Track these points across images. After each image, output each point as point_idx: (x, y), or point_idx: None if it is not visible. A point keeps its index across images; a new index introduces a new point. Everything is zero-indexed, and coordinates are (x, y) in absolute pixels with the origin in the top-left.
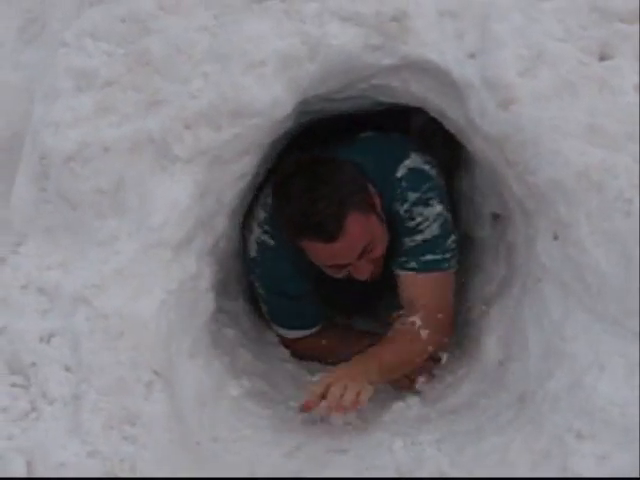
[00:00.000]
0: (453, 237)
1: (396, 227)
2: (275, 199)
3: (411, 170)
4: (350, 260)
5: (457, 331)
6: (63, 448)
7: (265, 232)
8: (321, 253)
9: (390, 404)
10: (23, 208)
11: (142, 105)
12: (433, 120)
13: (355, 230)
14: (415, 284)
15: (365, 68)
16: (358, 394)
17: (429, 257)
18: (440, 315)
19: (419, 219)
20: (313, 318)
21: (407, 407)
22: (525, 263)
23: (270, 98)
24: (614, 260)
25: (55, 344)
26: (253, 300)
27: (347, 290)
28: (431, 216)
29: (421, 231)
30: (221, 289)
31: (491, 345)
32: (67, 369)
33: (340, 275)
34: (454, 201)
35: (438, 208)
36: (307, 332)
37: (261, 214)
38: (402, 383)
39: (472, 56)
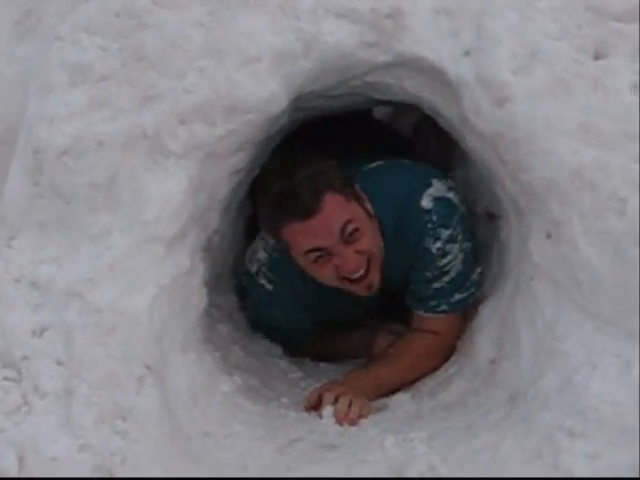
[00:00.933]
0: (478, 269)
1: (424, 262)
2: (256, 199)
3: (438, 200)
4: (330, 242)
5: None
6: (54, 442)
7: (264, 276)
8: (300, 236)
9: (382, 401)
10: (16, 202)
11: (136, 100)
12: (427, 118)
13: (332, 207)
14: (438, 322)
15: (360, 65)
16: (361, 409)
17: (457, 297)
18: (448, 341)
19: (450, 257)
20: (303, 338)
21: (399, 404)
22: (518, 261)
23: (265, 94)
24: (607, 259)
25: (47, 338)
26: None
27: (351, 317)
28: (458, 253)
29: (448, 272)
30: (214, 284)
31: (483, 343)
32: (59, 363)
33: (329, 274)
34: None
35: (464, 244)
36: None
37: (261, 254)
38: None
39: (467, 54)
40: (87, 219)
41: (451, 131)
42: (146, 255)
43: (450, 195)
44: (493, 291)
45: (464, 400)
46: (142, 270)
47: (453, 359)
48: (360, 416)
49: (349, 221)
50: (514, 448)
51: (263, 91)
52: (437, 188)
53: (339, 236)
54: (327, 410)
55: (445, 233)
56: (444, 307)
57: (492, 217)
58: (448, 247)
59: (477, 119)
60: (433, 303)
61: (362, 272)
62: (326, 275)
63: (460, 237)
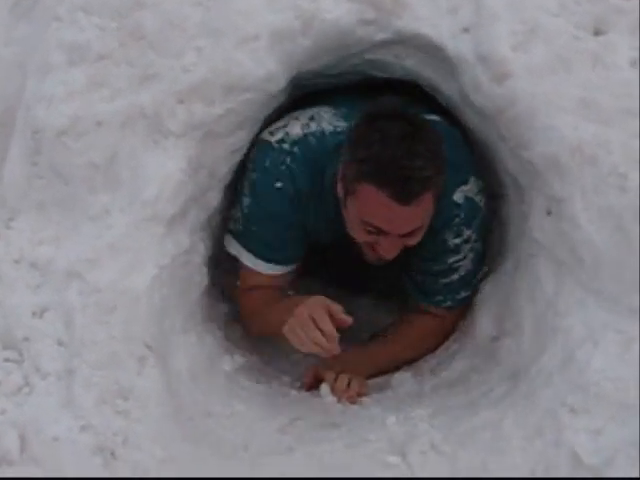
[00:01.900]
0: (485, 268)
1: (435, 254)
2: (362, 132)
3: (468, 200)
4: (395, 232)
5: None
6: (56, 422)
7: (285, 151)
8: (374, 207)
9: (383, 379)
10: (15, 183)
11: (135, 79)
12: (427, 95)
13: (422, 208)
14: (441, 311)
15: (359, 43)
16: (360, 387)
17: (463, 294)
18: (448, 327)
19: (461, 255)
20: (294, 254)
21: (400, 382)
22: (518, 239)
23: (263, 72)
24: (608, 235)
25: (48, 319)
26: None
27: (344, 263)
28: (469, 252)
29: (457, 269)
30: (214, 263)
31: (484, 321)
32: (60, 344)
33: (364, 239)
34: None
35: (476, 244)
36: (284, 269)
37: (294, 128)
38: None
39: (466, 30)
40: (86, 199)
41: (450, 108)
42: (146, 235)
43: (478, 198)
44: (494, 269)
45: (465, 378)
46: (142, 250)
47: (454, 337)
48: (359, 394)
49: (422, 226)
50: (516, 425)
51: (261, 70)
52: (471, 187)
53: (405, 233)
54: (324, 388)
55: (466, 233)
56: (449, 303)
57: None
58: (463, 246)
59: (476, 96)
60: (438, 298)
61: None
62: (363, 239)
63: (474, 237)
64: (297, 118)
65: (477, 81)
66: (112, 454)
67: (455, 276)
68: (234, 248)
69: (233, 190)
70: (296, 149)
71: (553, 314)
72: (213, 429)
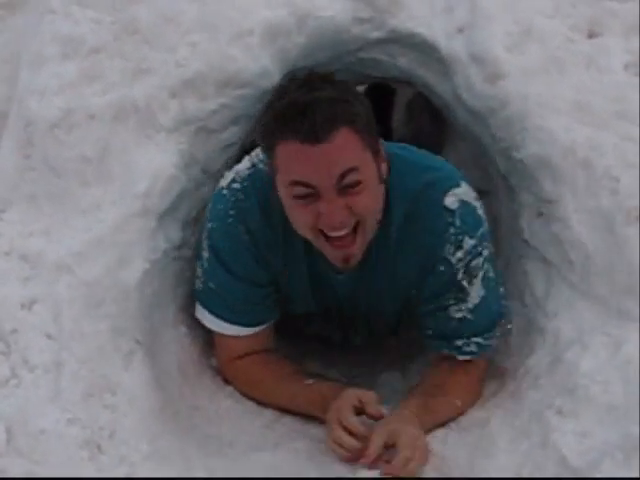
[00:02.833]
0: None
1: (440, 278)
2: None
3: (464, 205)
4: (324, 182)
5: None
6: (43, 415)
7: (236, 190)
8: (294, 161)
9: (370, 378)
10: (7, 175)
11: (128, 73)
12: (420, 96)
13: (344, 144)
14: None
15: (353, 41)
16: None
17: (487, 340)
18: (484, 375)
19: (473, 274)
20: (261, 316)
21: (388, 381)
22: (508, 239)
23: (257, 68)
24: (599, 238)
25: (37, 311)
26: None
27: (330, 329)
28: (480, 273)
29: (468, 293)
30: None
31: None
32: (48, 336)
33: (307, 219)
34: None
35: (484, 264)
36: (253, 330)
37: (243, 165)
38: None
39: (460, 31)
40: (78, 192)
41: (443, 108)
42: (137, 229)
43: (477, 205)
44: None
45: None
46: (133, 244)
47: None
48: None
49: (354, 169)
50: (503, 426)
51: (255, 65)
52: (465, 191)
53: (336, 180)
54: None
55: (469, 243)
56: (473, 348)
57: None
58: (473, 262)
59: (469, 96)
60: (459, 342)
61: (343, 232)
62: (303, 220)
63: (486, 254)
64: (247, 156)
65: (470, 81)
66: (98, 448)
67: (469, 305)
68: (198, 311)
69: None
70: (246, 184)
71: (542, 315)
72: (199, 424)
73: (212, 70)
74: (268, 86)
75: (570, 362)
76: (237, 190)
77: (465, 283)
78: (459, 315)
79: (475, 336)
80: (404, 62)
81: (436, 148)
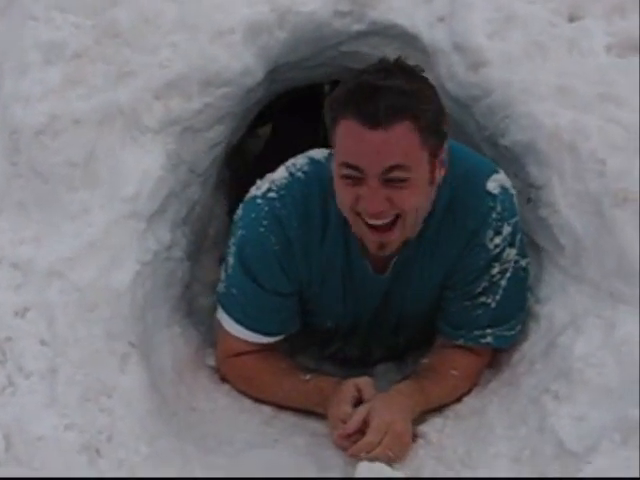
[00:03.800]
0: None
1: (473, 265)
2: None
3: (505, 190)
4: (370, 169)
5: None
6: (40, 421)
7: (272, 200)
8: (350, 140)
9: (367, 371)
10: None
11: (111, 76)
12: None
13: (401, 137)
14: (481, 350)
15: (335, 35)
16: (394, 456)
17: (506, 332)
18: (486, 363)
19: (505, 266)
20: (282, 327)
21: (385, 371)
22: None
23: (240, 66)
24: (588, 221)
25: (30, 318)
26: None
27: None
28: (511, 264)
29: (498, 285)
30: (196, 258)
31: None
32: (42, 343)
33: (348, 199)
34: None
35: (516, 255)
36: (270, 339)
37: (280, 173)
38: None
39: (441, 20)
40: (66, 197)
41: None
42: (126, 231)
43: (514, 192)
44: None
45: None
46: (123, 247)
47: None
48: (389, 458)
49: (403, 166)
50: (500, 412)
51: (238, 64)
52: (504, 177)
53: (382, 171)
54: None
55: (507, 229)
56: (489, 340)
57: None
58: (506, 251)
59: (452, 85)
60: (477, 332)
61: (382, 222)
62: (345, 198)
63: (518, 245)
64: (282, 165)
65: (453, 70)
66: (97, 452)
67: (497, 296)
68: (218, 313)
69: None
70: (284, 192)
71: (534, 301)
72: (197, 424)
73: (195, 70)
74: (252, 84)
75: (564, 346)
76: (273, 199)
77: (497, 273)
78: (484, 305)
79: (491, 327)
80: (387, 53)
81: None
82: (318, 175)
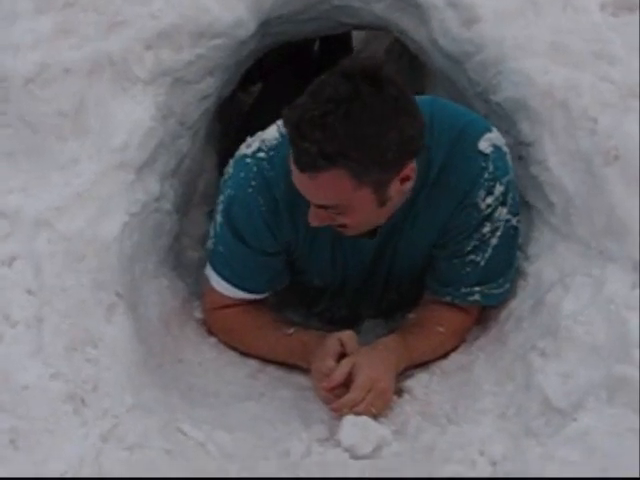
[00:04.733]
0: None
1: (464, 224)
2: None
3: (497, 149)
4: (310, 200)
5: None
6: (26, 370)
7: (261, 159)
8: (294, 172)
9: (355, 327)
10: None
11: (103, 26)
12: (398, 41)
13: (329, 184)
14: (469, 308)
15: None
16: (376, 410)
17: (494, 291)
18: (474, 321)
19: (496, 224)
20: (270, 284)
21: (373, 327)
22: None
23: (232, 18)
24: (578, 179)
25: (17, 268)
26: None
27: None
28: (502, 223)
29: (487, 244)
30: (184, 211)
31: None
32: (29, 292)
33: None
34: None
35: (507, 214)
36: (258, 296)
37: (270, 134)
38: None
39: None
40: (55, 147)
41: (420, 54)
42: (115, 182)
43: (507, 150)
44: None
45: None
46: (111, 197)
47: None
48: (370, 412)
49: (335, 207)
50: (486, 369)
51: (231, 15)
52: (497, 136)
53: (316, 205)
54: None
55: (499, 189)
56: (477, 297)
57: None
58: (498, 210)
59: (445, 41)
60: (465, 290)
61: (327, 224)
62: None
63: (510, 203)
64: (274, 124)
65: (446, 26)
66: (82, 401)
67: (486, 254)
68: (207, 269)
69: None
70: (273, 153)
71: (523, 258)
72: (183, 376)
73: (187, 21)
74: (244, 36)
75: (552, 304)
76: (262, 159)
77: (487, 232)
78: (473, 263)
79: (480, 285)
80: (379, 8)
81: (415, 94)
82: None
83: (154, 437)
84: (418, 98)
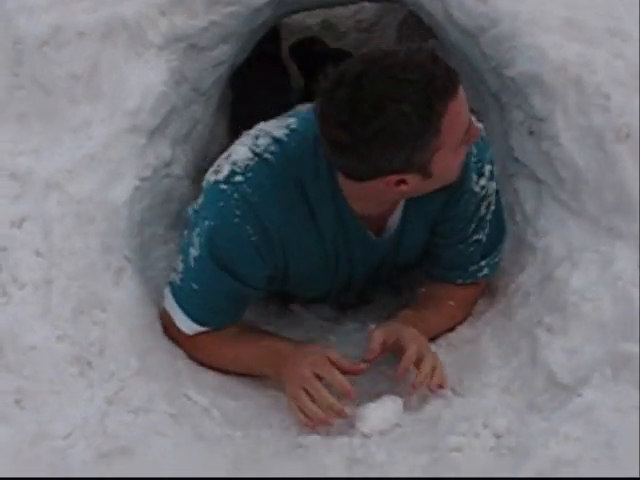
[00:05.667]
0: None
1: (464, 210)
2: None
3: None
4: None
5: None
6: (33, 332)
7: (237, 185)
8: (462, 108)
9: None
10: None
11: None
12: (413, 15)
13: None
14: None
15: None
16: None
17: (495, 258)
18: (482, 290)
19: (489, 200)
20: (242, 313)
21: (379, 296)
22: (499, 158)
23: None
24: (589, 155)
25: (26, 229)
26: None
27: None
28: (492, 196)
29: (486, 219)
30: (195, 178)
31: None
32: (38, 254)
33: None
34: None
35: (494, 186)
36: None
37: (241, 153)
38: None
39: None
40: (67, 110)
41: (434, 27)
42: (127, 146)
43: (481, 125)
44: None
45: None
46: (122, 161)
47: None
48: (441, 386)
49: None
50: (493, 343)
51: None
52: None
53: None
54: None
55: (487, 169)
56: (486, 271)
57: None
58: (489, 186)
59: (460, 14)
60: (473, 268)
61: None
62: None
63: (495, 174)
64: (240, 143)
65: None
66: (88, 364)
67: (487, 230)
68: (168, 304)
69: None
70: (251, 175)
71: (532, 233)
72: None
73: None
74: (259, 3)
75: (560, 279)
76: (240, 183)
77: (484, 210)
78: (477, 242)
79: (484, 259)
80: None
81: None
82: (288, 156)
83: (159, 401)
84: None
